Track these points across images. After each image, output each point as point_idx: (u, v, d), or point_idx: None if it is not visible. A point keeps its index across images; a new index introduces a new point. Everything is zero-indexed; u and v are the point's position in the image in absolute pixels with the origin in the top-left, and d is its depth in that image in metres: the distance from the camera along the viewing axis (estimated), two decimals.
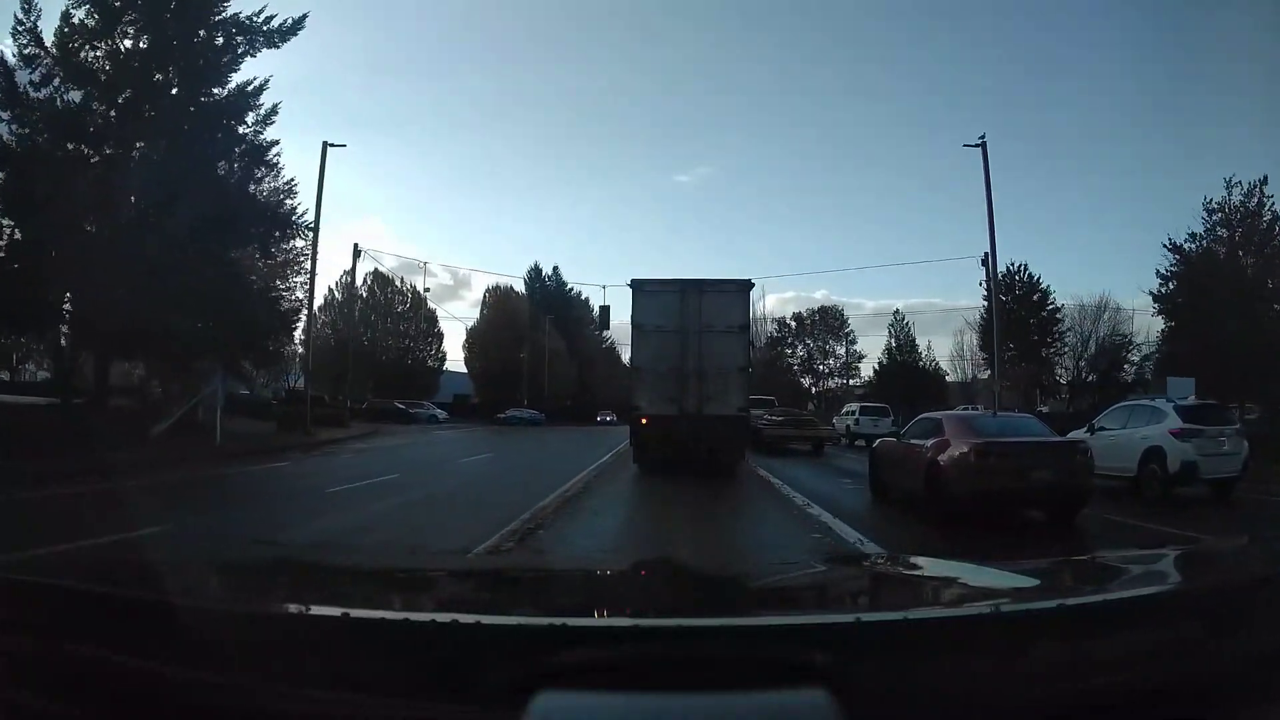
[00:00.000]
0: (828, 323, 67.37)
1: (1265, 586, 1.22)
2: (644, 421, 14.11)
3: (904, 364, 56.77)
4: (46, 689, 0.96)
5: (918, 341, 59.98)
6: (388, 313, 59.81)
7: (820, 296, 65.36)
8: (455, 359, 62.45)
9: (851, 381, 64.63)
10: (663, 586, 1.57)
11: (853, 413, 29.40)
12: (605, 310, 35.57)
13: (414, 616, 1.11)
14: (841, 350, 66.94)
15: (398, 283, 59.96)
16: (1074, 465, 8.70)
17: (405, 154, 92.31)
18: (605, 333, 67.31)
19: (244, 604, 1.25)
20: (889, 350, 59.93)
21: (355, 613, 1.09)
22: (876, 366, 60.73)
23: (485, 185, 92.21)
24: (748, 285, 14.91)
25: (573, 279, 70.72)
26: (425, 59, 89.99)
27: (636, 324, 14.46)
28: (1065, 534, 8.28)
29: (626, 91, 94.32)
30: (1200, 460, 10.33)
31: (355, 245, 34.38)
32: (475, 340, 61.80)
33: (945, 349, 74.40)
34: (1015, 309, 41.35)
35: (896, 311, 61.05)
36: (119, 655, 0.95)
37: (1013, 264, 43.18)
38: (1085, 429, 12.49)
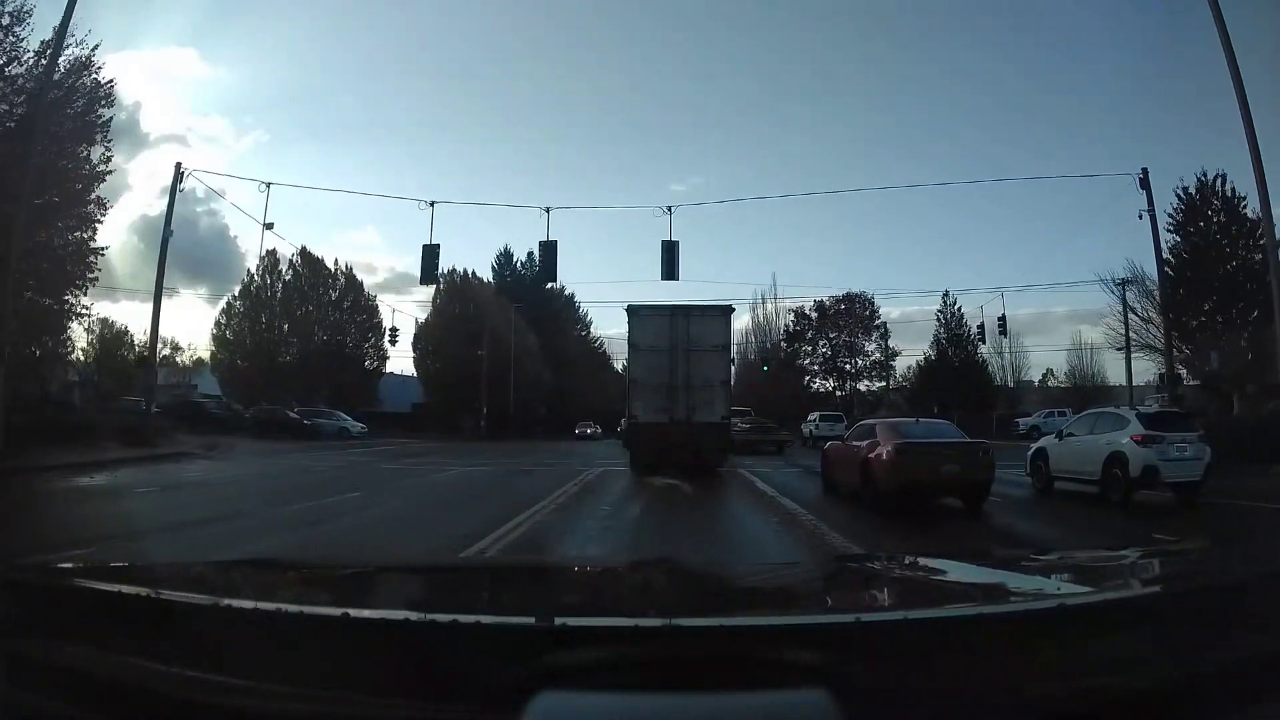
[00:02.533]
0: (855, 313, 55.66)
1: (1264, 586, 1.22)
2: (640, 428, 16.26)
3: (952, 362, 46.84)
4: (46, 689, 0.96)
5: (964, 328, 47.04)
6: (317, 301, 47.04)
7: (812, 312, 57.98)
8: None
9: (887, 383, 53.61)
10: (662, 586, 1.58)
11: (814, 420, 35.20)
12: (549, 248, 22.79)
13: (414, 616, 1.11)
14: (872, 346, 55.54)
15: (330, 265, 47.51)
16: (977, 461, 10.37)
17: (398, 162, 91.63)
18: (591, 333, 59.02)
19: (244, 604, 1.25)
20: (936, 341, 48.93)
21: (355, 613, 1.09)
22: (921, 362, 49.98)
23: (476, 193, 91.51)
24: (728, 310, 17.56)
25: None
26: (417, 65, 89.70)
27: (633, 343, 16.59)
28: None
29: (624, 103, 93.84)
30: (1161, 465, 10.88)
31: (177, 165, 24.17)
32: (426, 337, 49.54)
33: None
34: (1212, 245, 25.04)
35: (946, 294, 49.16)
36: (119, 655, 0.95)
37: (1203, 176, 26.05)
38: (1055, 435, 13.56)
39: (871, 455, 10.55)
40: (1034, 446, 13.78)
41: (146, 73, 68.39)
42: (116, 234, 67.54)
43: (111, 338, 48.91)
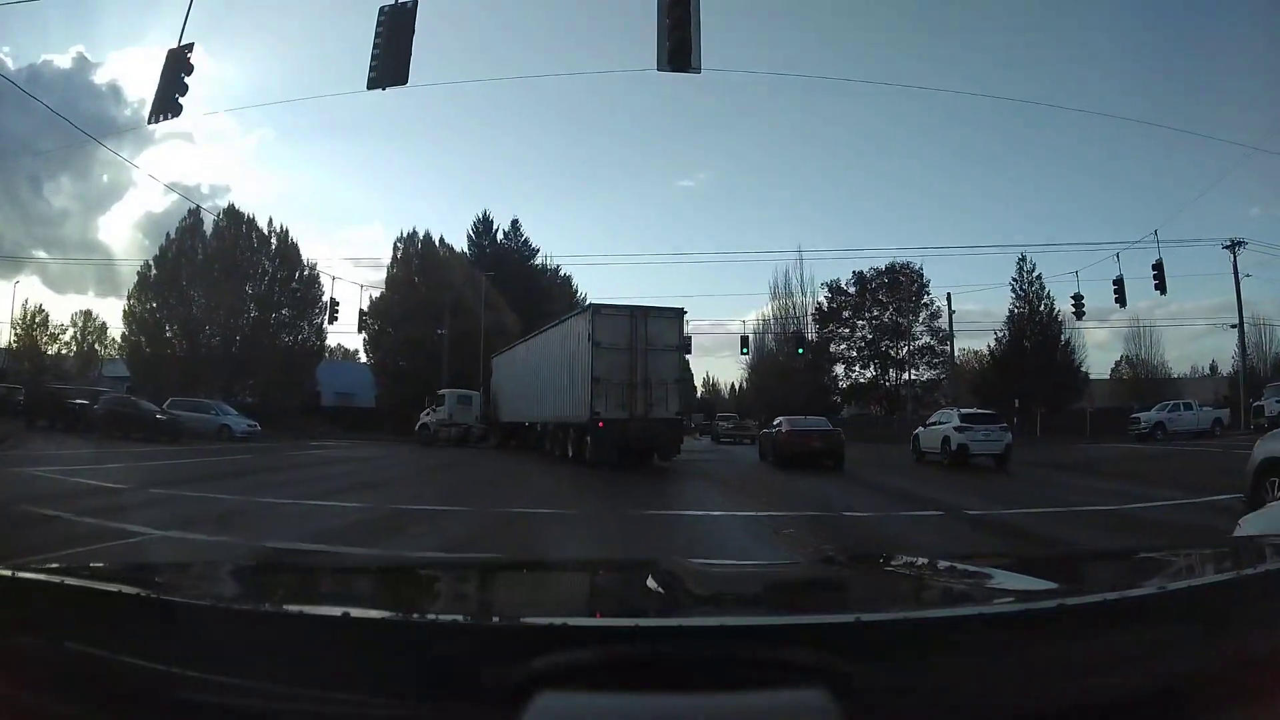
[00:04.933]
0: (900, 289, 45.91)
1: (1262, 586, 1.22)
2: (601, 425, 16.96)
3: (1033, 343, 38.66)
4: (46, 689, 0.96)
5: (1046, 301, 39.00)
6: (243, 273, 38.97)
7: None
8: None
9: (948, 366, 42.83)
10: (662, 586, 1.58)
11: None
12: (398, 17, 10.34)
13: (414, 616, 1.11)
14: (921, 328, 45.71)
15: (263, 227, 39.69)
16: (834, 439, 18.86)
17: (402, 160, 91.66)
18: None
19: (244, 604, 1.25)
20: (1011, 317, 40.35)
21: (355, 612, 1.09)
22: (991, 346, 41.36)
23: (479, 191, 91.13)
24: (680, 312, 19.18)
25: (539, 242, 50.97)
26: (420, 61, 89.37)
27: (596, 342, 17.20)
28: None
29: (626, 99, 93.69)
30: (970, 443, 18.58)
31: None
32: (379, 315, 41.81)
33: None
34: None
35: (1023, 258, 40.08)
36: (119, 655, 0.96)
37: None
38: (921, 425, 21.84)
39: (776, 436, 19.93)
40: (915, 432, 22.05)
41: (152, 69, 68.13)
42: (122, 232, 67.40)
43: (39, 323, 46.51)
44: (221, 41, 71.43)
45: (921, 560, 1.93)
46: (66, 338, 49.19)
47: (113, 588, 1.20)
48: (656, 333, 17.65)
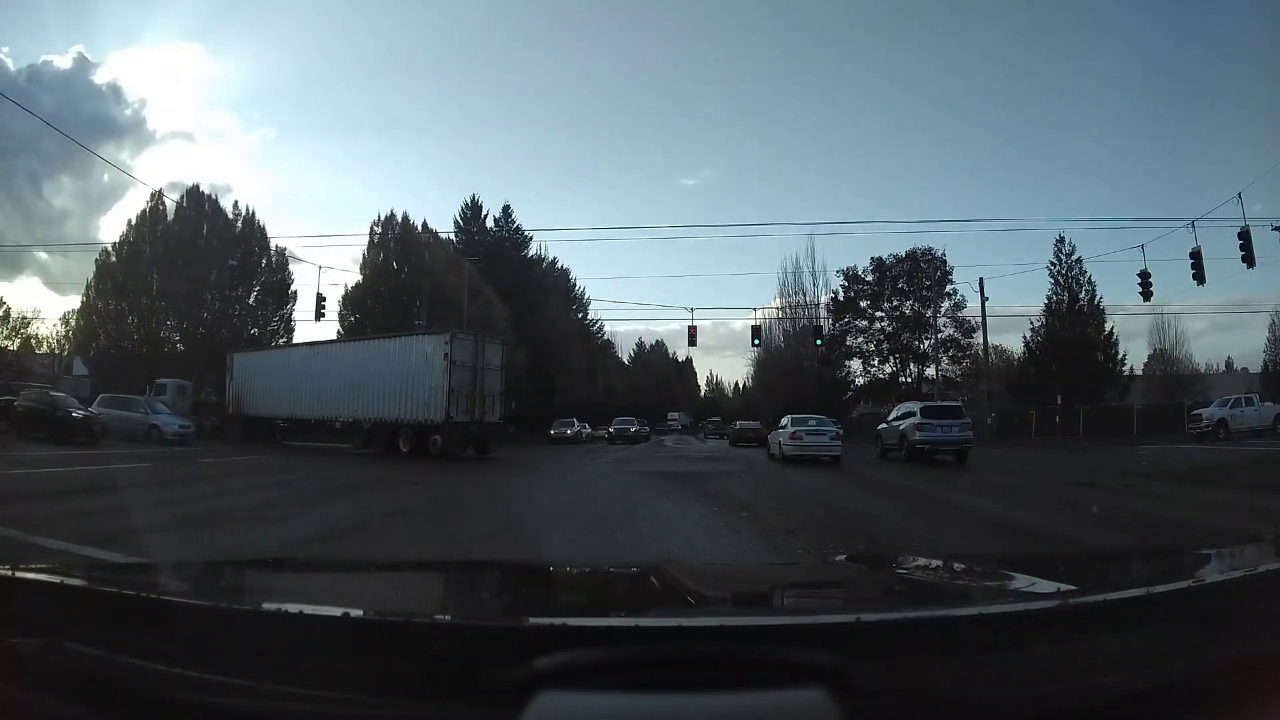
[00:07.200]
0: (921, 276, 42.05)
1: (1263, 586, 1.22)
2: (453, 426, 20.99)
3: (1070, 335, 35.64)
4: (46, 689, 0.96)
5: (1091, 289, 36.77)
6: (207, 259, 36.05)
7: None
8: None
9: (961, 366, 40.10)
10: (663, 587, 1.58)
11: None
12: None
13: (414, 616, 1.11)
14: (944, 319, 42.12)
15: (229, 211, 37.35)
16: (760, 432, 32.28)
17: (406, 158, 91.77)
18: (589, 315, 49.76)
19: (244, 604, 1.25)
20: (1049, 307, 37.73)
21: (355, 613, 1.09)
22: (1027, 337, 38.74)
23: (480, 190, 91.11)
24: (507, 340, 24.10)
25: (537, 242, 45.94)
26: (421, 58, 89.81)
27: (452, 360, 21.00)
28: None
29: (629, 97, 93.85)
30: (805, 435, 24.11)
31: None
32: (354, 306, 39.40)
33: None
34: None
35: (1061, 239, 37.81)
36: (119, 655, 0.95)
37: None
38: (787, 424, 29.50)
39: (732, 430, 39.13)
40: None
41: (152, 69, 68.74)
42: (122, 231, 66.96)
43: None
44: (223, 40, 71.75)
45: (923, 560, 1.93)
46: (30, 331, 44.64)
47: (112, 588, 1.20)
48: (490, 355, 22.13)
